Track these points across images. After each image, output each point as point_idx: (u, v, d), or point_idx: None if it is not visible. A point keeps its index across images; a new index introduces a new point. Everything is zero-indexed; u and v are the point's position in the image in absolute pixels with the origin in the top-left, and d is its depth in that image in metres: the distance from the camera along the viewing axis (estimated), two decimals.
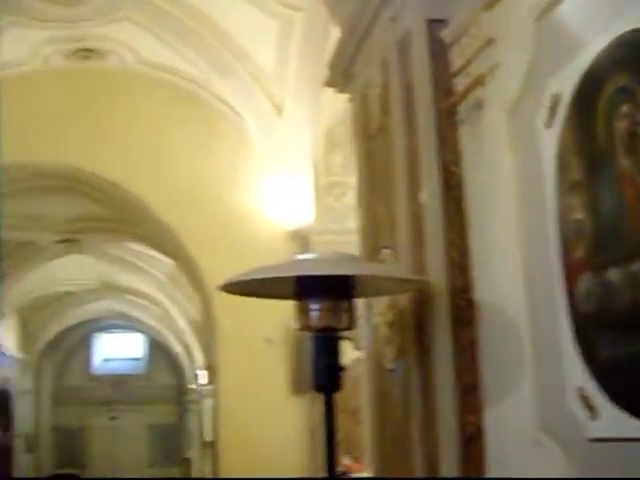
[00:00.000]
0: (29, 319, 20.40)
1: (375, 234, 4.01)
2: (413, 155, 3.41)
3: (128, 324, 24.24)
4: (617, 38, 2.16)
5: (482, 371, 3.00)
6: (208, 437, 15.03)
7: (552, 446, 2.50)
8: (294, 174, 8.82)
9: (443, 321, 3.09)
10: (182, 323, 18.12)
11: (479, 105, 3.06)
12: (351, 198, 8.20)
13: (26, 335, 20.91)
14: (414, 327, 3.34)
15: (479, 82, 3.04)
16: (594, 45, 2.26)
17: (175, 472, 23.68)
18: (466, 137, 3.19)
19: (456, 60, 3.25)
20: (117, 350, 26.71)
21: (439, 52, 3.31)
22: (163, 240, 10.71)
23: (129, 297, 19.39)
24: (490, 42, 2.94)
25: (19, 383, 21.47)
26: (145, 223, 10.54)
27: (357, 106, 4.36)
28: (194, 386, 19.36)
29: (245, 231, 8.98)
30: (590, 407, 2.27)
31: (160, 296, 17.41)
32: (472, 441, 2.99)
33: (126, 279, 17.11)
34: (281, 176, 8.88)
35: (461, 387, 3.03)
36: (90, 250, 14.31)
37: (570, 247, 2.38)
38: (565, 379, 2.39)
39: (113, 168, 9.21)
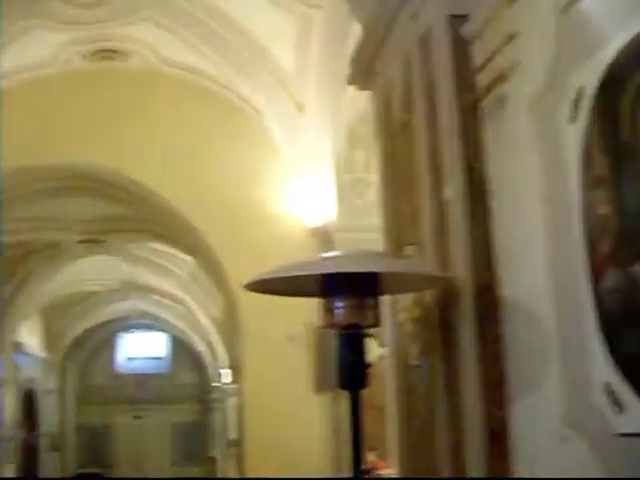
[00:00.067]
0: (54, 319, 20.53)
1: (398, 231, 4.01)
2: (436, 152, 3.41)
3: (152, 323, 24.35)
4: None
5: (507, 367, 2.99)
6: (232, 435, 15.07)
7: (578, 441, 2.49)
8: (316, 172, 8.83)
9: (468, 317, 3.09)
10: (205, 322, 18.17)
11: (502, 101, 3.05)
12: (373, 195, 8.20)
13: (51, 335, 21.06)
14: (439, 323, 3.34)
15: (501, 78, 3.03)
16: (618, 38, 2.24)
17: (199, 471, 23.76)
18: (489, 133, 3.18)
19: (478, 56, 3.23)
20: (141, 349, 26.85)
21: (461, 48, 3.30)
22: (187, 239, 10.75)
23: (153, 297, 19.47)
24: (512, 37, 2.93)
25: (44, 383, 21.63)
26: (168, 223, 10.59)
27: (379, 103, 4.36)
28: (218, 384, 19.41)
29: (268, 229, 9.01)
30: (617, 402, 2.26)
31: (183, 295, 17.47)
32: (498, 437, 2.98)
33: (150, 279, 17.19)
34: (303, 174, 8.89)
35: (486, 383, 3.02)
36: (114, 250, 14.38)
37: (595, 243, 2.37)
38: (591, 374, 2.38)
39: (137, 169, 9.26)
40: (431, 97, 3.48)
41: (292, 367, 8.75)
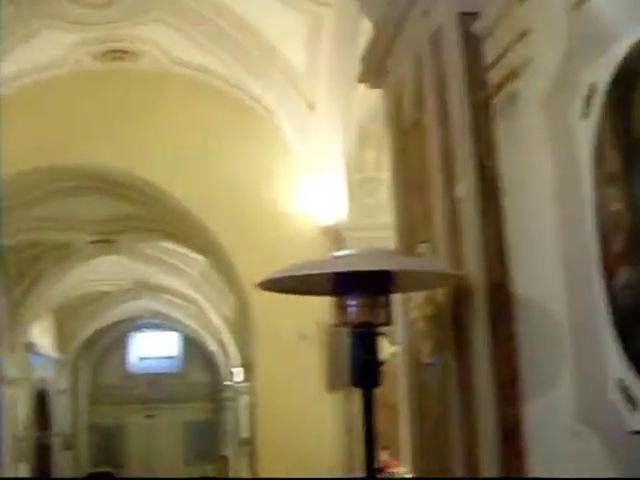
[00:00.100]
0: (65, 319, 20.59)
1: (410, 229, 4.01)
2: (448, 149, 3.41)
3: (163, 323, 24.41)
4: None
5: (521, 365, 2.99)
6: (245, 434, 15.09)
7: (591, 438, 2.48)
8: (327, 170, 8.83)
9: (481, 315, 3.09)
10: (217, 321, 18.19)
11: (513, 98, 3.05)
12: (384, 193, 8.21)
13: (62, 335, 21.12)
14: (452, 321, 3.34)
15: (513, 75, 3.02)
16: (630, 34, 2.23)
17: (211, 470, 23.80)
18: (501, 130, 3.18)
19: (489, 53, 3.23)
20: (153, 349, 26.91)
21: (472, 45, 3.29)
22: (198, 239, 10.77)
23: (164, 296, 19.51)
24: (524, 34, 2.92)
25: (56, 382, 21.69)
26: (179, 222, 10.61)
27: (390, 102, 4.36)
28: (230, 383, 19.44)
29: (279, 228, 9.02)
30: (630, 399, 2.25)
31: (195, 294, 17.50)
32: (511, 435, 2.98)
33: (161, 278, 17.23)
34: (314, 173, 8.90)
35: (500, 381, 3.01)
36: (125, 250, 14.41)
37: (608, 239, 2.36)
38: (605, 371, 2.38)
39: (148, 169, 9.28)
40: (442, 95, 3.47)
41: (304, 365, 8.76)
